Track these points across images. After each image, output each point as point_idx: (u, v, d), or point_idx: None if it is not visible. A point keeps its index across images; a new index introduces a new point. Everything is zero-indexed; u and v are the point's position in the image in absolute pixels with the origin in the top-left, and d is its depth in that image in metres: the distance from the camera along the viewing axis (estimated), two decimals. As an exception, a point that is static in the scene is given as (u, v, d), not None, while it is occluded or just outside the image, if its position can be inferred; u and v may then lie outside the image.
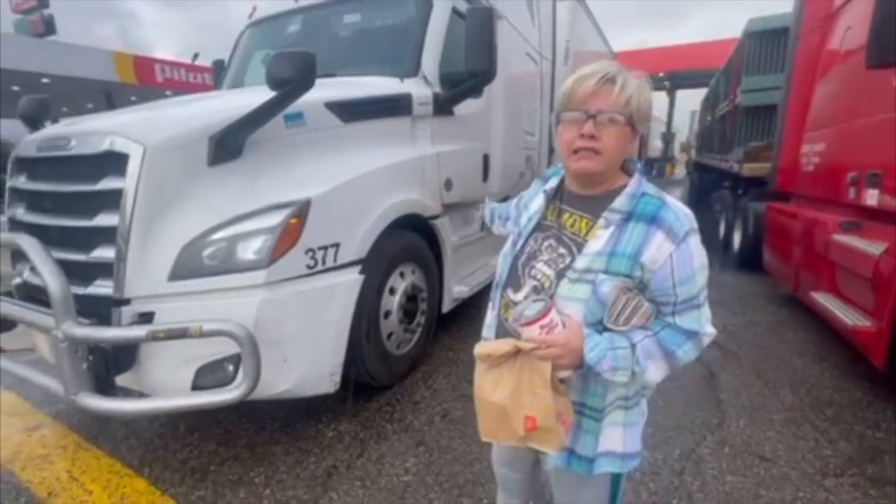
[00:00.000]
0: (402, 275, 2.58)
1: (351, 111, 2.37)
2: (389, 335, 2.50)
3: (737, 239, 5.87)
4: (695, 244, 0.85)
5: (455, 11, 3.06)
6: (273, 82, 1.82)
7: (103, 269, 1.81)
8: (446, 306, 3.09)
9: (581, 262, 0.87)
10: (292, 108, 2.03)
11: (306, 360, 1.96)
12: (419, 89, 2.77)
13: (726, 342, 3.30)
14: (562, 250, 0.91)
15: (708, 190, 11.06)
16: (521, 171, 4.74)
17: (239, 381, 1.67)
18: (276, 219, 1.84)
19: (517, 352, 0.87)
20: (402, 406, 2.46)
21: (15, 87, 14.60)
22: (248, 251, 1.80)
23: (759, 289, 4.66)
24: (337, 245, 2.04)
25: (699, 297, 0.87)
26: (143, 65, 17.07)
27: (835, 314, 2.71)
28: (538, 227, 0.98)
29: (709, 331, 0.90)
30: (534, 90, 4.93)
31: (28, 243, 1.70)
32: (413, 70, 2.83)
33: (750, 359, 3.04)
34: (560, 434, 0.86)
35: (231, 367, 1.78)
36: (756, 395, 2.57)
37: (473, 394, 0.98)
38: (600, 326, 0.88)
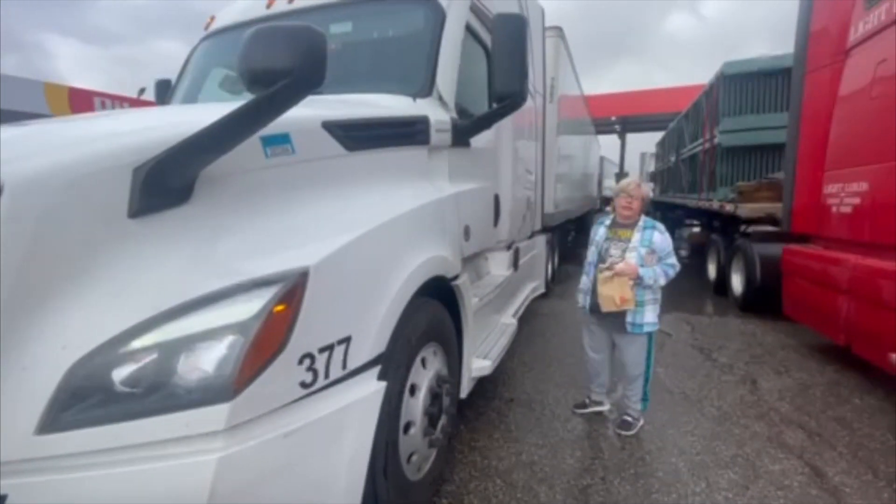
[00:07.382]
0: (423, 363, 1.83)
1: (358, 136, 1.66)
2: (410, 457, 1.71)
3: (737, 281, 5.57)
4: (663, 231, 2.52)
5: (469, 29, 2.51)
6: (251, 76, 1.09)
7: None
8: (465, 390, 2.34)
9: (632, 244, 2.48)
10: (274, 126, 1.31)
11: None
12: (436, 112, 2.14)
13: (799, 416, 2.75)
14: (621, 244, 2.52)
15: (673, 227, 11.23)
16: (523, 213, 4.18)
17: None
18: (250, 306, 1.07)
19: None
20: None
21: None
22: (199, 368, 1.01)
23: (781, 339, 4.26)
24: (347, 339, 1.28)
25: (673, 252, 2.49)
26: (80, 97, 15.47)
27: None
28: (607, 239, 2.58)
29: (678, 264, 2.50)
30: (532, 126, 4.49)
31: None
32: (426, 89, 2.20)
33: (841, 441, 2.48)
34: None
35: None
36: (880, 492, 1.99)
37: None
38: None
